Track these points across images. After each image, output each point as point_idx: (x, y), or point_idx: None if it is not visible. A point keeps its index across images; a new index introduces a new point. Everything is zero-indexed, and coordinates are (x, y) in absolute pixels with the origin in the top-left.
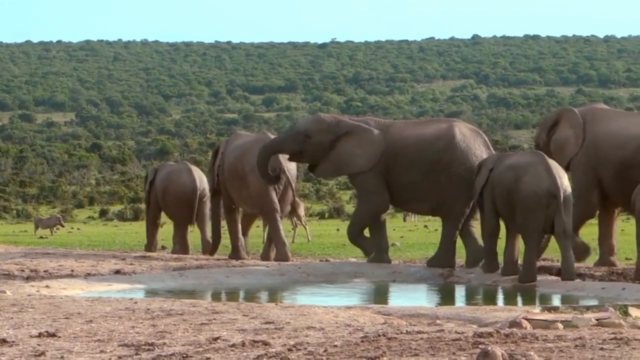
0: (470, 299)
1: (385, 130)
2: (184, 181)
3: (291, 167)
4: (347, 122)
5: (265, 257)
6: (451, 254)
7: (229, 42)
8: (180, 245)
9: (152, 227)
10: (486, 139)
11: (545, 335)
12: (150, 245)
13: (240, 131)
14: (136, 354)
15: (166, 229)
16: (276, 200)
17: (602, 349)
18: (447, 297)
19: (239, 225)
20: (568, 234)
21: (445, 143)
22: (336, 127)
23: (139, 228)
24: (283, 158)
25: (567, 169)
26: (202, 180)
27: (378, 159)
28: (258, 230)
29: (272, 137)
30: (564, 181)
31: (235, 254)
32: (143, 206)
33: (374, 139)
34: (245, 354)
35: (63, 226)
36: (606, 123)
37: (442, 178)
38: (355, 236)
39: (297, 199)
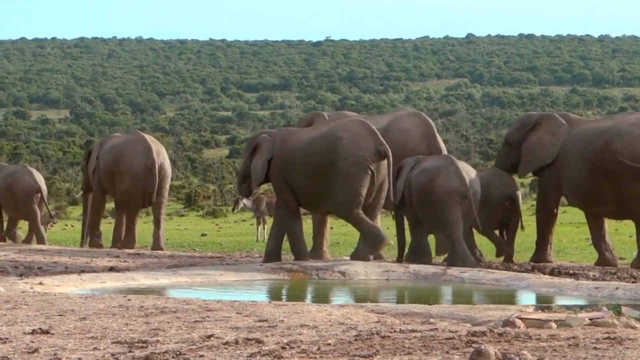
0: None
1: None
2: (27, 181)
3: (165, 163)
4: None
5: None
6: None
7: (223, 40)
8: (37, 236)
9: None
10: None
11: (539, 335)
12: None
13: (115, 133)
14: (129, 351)
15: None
16: (140, 197)
17: (595, 348)
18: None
19: (100, 219)
20: (478, 229)
21: None
22: None
23: None
24: (155, 154)
25: None
26: (41, 181)
27: None
28: (250, 228)
29: (145, 136)
30: (473, 181)
31: (92, 243)
32: None
33: None
34: (238, 351)
35: (55, 222)
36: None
37: None
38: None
39: None
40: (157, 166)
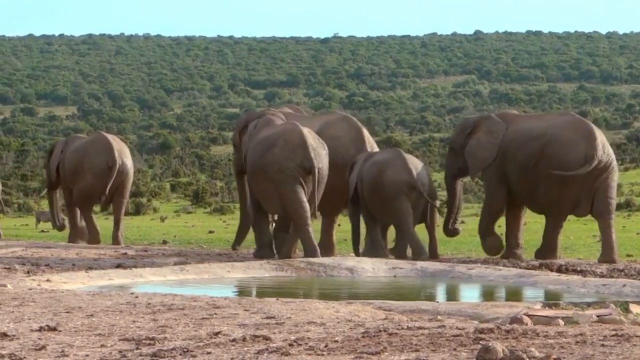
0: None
1: None
2: None
3: (127, 163)
4: None
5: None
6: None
7: (231, 37)
8: None
9: None
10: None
11: (546, 332)
12: None
13: (77, 134)
14: (137, 349)
15: (168, 224)
16: (98, 195)
17: (602, 345)
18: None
19: (78, 213)
20: (415, 223)
21: None
22: None
23: (140, 222)
24: (118, 153)
25: None
26: None
27: None
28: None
29: (107, 136)
30: (421, 174)
31: (73, 237)
32: (144, 200)
33: None
34: (246, 348)
35: (65, 227)
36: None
37: None
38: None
39: None
40: (117, 166)
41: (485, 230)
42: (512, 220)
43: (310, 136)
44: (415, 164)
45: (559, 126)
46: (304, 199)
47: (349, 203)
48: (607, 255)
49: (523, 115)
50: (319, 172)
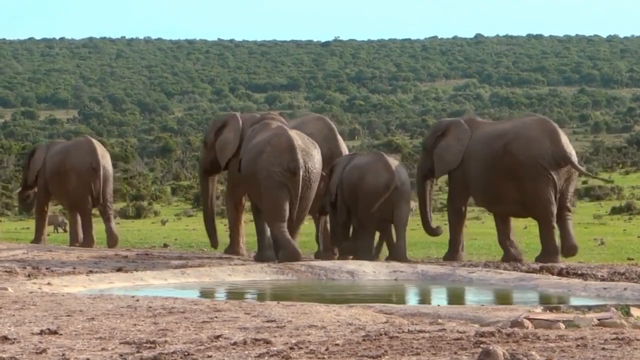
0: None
1: None
2: None
3: (107, 165)
4: None
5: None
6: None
7: (231, 40)
8: None
9: None
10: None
11: (547, 335)
12: None
13: (58, 140)
14: (138, 352)
15: (169, 227)
16: (88, 197)
17: (603, 349)
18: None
19: (46, 218)
20: (405, 222)
21: None
22: None
23: (141, 225)
24: (101, 156)
25: (226, 167)
26: None
27: None
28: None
29: (91, 139)
30: (402, 175)
31: (37, 239)
32: (145, 203)
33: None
34: (246, 352)
35: (66, 231)
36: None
37: None
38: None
39: None
40: (101, 168)
41: (456, 238)
42: (500, 223)
43: (298, 138)
44: (396, 165)
45: (523, 125)
46: (285, 201)
47: (329, 207)
48: (568, 243)
49: (489, 121)
50: (309, 171)
